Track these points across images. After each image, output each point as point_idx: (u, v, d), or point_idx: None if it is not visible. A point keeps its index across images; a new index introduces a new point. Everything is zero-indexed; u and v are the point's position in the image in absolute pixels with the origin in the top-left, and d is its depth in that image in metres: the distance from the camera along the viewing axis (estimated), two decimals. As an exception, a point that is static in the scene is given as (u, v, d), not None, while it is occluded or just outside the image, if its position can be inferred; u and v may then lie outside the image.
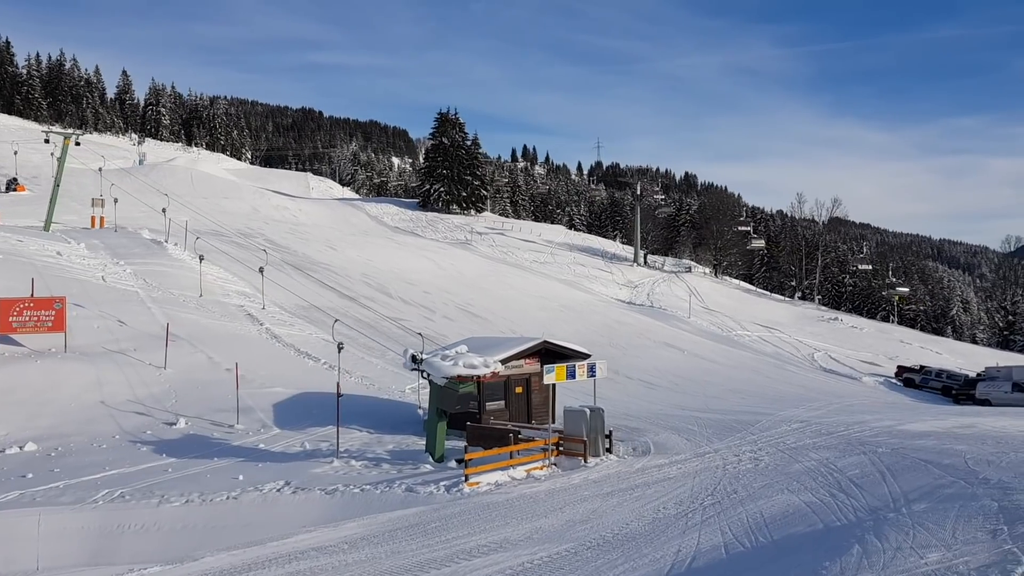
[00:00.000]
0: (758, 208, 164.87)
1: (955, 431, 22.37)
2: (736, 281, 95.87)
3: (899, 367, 52.20)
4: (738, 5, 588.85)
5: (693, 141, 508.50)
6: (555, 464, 20.72)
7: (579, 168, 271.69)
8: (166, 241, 48.88)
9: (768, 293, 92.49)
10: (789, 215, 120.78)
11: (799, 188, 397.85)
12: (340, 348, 24.38)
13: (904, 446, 19.72)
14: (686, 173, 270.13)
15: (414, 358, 21.61)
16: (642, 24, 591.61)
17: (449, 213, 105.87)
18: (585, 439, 20.80)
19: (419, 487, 18.68)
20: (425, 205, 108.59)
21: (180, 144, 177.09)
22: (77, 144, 55.83)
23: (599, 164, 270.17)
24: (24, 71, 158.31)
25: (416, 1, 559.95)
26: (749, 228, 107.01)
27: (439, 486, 18.79)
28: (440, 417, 21.65)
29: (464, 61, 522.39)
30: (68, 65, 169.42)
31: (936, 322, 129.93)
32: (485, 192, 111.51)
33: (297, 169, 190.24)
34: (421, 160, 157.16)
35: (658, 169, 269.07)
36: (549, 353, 26.76)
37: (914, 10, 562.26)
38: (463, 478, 18.76)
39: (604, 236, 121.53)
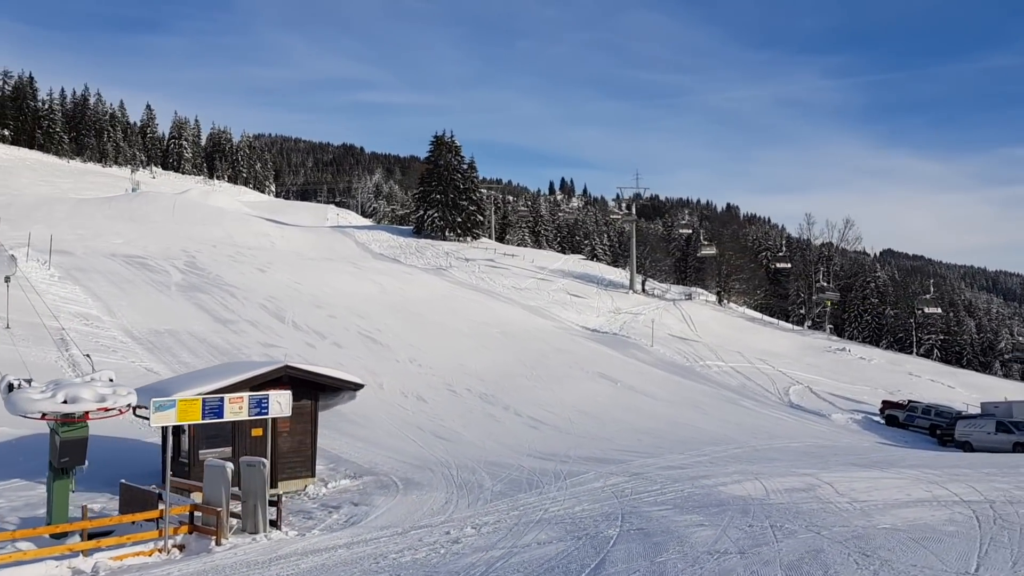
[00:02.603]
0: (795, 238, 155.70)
1: (775, 500, 15.19)
2: (741, 309, 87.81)
3: (884, 402, 44.34)
4: (785, 37, 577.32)
5: (740, 173, 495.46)
6: (179, 546, 14.23)
7: (617, 200, 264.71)
8: (26, 258, 43.82)
9: (775, 321, 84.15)
10: (801, 238, 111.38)
11: (850, 220, 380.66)
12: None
13: (657, 528, 12.89)
14: (728, 204, 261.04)
15: (11, 387, 15.41)
16: (688, 58, 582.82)
17: (444, 240, 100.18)
18: (220, 509, 14.22)
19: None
20: (419, 232, 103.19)
21: (201, 177, 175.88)
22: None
23: (637, 196, 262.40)
24: (46, 105, 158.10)
25: (462, 41, 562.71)
26: (787, 264, 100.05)
27: (-57, 580, 12.54)
28: (58, 474, 15.42)
29: (509, 98, 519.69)
30: (92, 100, 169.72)
31: (984, 355, 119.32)
32: (481, 218, 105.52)
33: (331, 202, 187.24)
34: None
35: (699, 200, 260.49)
36: (302, 383, 20.36)
37: (965, 39, 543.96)
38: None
39: (620, 266, 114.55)
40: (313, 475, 20.58)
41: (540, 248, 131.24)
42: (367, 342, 42.23)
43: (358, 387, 21.32)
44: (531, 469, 21.50)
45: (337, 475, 21.78)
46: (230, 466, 14.62)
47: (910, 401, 43.73)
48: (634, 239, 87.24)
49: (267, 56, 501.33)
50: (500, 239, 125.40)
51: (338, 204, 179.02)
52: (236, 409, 15.03)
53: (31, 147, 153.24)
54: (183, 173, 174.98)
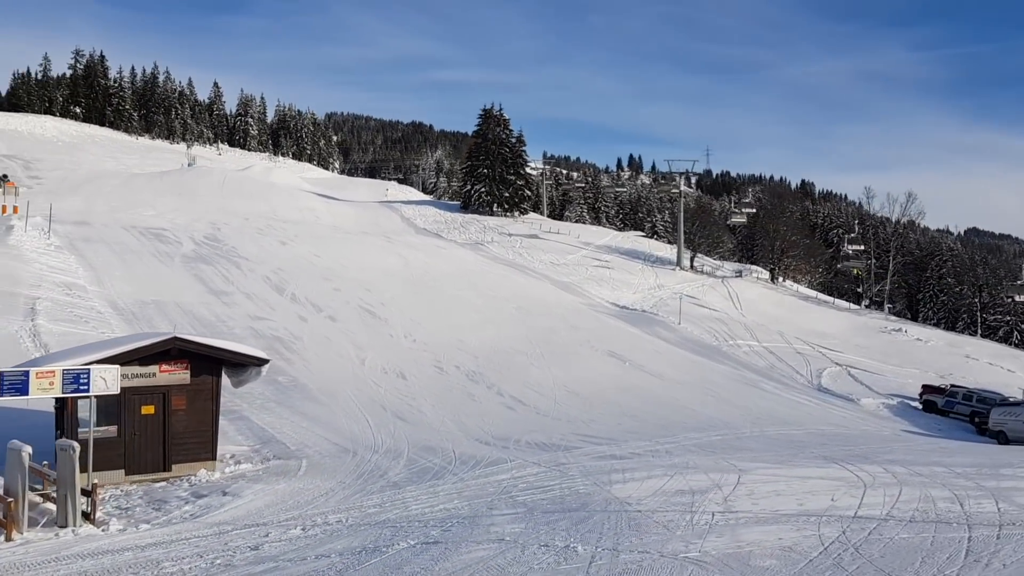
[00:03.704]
0: (871, 215, 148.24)
1: (644, 506, 12.74)
2: (795, 287, 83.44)
3: (924, 386, 40.63)
4: (869, 8, 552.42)
5: (818, 150, 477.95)
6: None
7: (687, 178, 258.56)
8: (24, 229, 43.36)
9: (831, 300, 79.52)
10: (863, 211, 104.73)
11: (934, 197, 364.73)
12: None
13: (455, 540, 10.73)
14: (802, 181, 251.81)
15: None
16: (766, 31, 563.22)
17: (491, 215, 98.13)
18: (12, 499, 12.46)
19: None
20: (466, 207, 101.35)
21: (266, 154, 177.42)
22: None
23: (708, 172, 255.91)
24: (116, 83, 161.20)
25: (535, 16, 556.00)
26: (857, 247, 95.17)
27: None
28: None
29: (581, 74, 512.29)
30: (162, 78, 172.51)
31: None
32: (529, 192, 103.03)
33: (394, 179, 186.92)
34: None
35: (771, 177, 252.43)
36: (200, 358, 18.61)
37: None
38: None
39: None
40: (213, 458, 18.85)
41: (600, 225, 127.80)
42: (365, 316, 40.55)
43: (262, 362, 19.49)
44: (459, 456, 19.41)
45: (255, 457, 20.11)
46: (28, 449, 12.89)
47: (952, 386, 40.00)
48: (681, 213, 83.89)
49: (343, 35, 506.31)
50: (559, 216, 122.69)
51: (401, 181, 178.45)
52: (45, 385, 13.34)
53: (102, 124, 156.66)
54: (248, 150, 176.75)
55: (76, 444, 13.33)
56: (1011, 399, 37.19)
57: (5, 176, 73.76)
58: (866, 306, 79.65)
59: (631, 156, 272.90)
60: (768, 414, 31.41)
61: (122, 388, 17.52)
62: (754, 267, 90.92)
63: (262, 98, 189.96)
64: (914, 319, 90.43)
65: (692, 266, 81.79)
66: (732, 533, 10.79)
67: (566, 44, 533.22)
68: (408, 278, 52.09)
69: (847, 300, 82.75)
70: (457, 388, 31.17)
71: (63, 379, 13.76)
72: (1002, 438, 30.61)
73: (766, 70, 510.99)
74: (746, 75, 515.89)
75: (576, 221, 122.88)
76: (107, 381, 14.08)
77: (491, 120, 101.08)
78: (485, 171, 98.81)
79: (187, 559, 10.77)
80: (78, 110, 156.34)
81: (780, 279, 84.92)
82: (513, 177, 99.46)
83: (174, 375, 18.28)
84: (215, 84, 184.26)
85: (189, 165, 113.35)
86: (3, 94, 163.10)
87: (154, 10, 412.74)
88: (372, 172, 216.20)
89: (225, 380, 20.25)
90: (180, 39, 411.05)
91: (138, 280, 39.52)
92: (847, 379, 43.77)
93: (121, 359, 17.17)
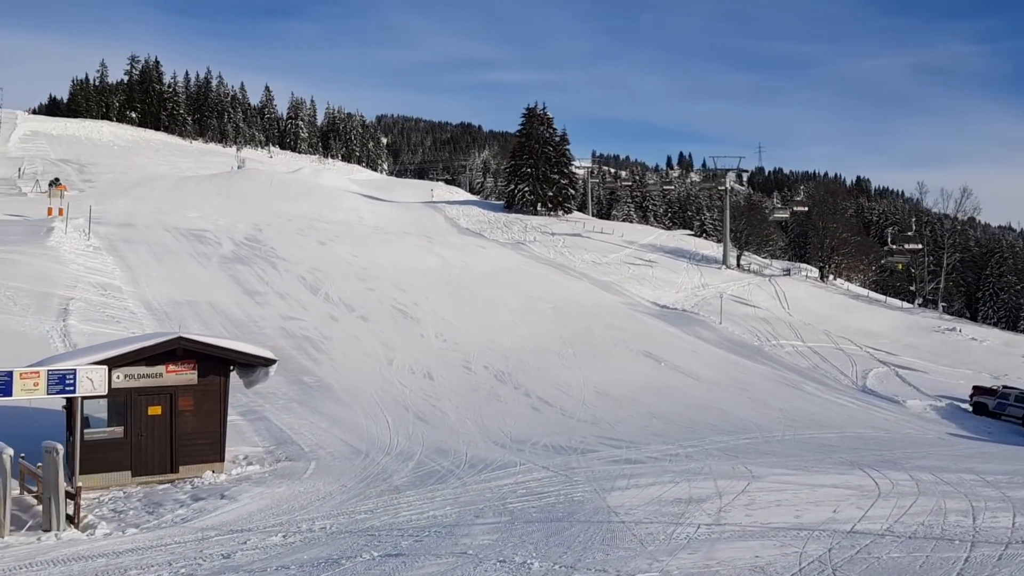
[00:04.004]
0: (925, 211, 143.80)
1: (630, 516, 12.06)
2: (846, 285, 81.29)
3: (975, 387, 39.00)
4: (926, 2, 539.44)
5: (874, 146, 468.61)
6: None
7: (739, 175, 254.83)
8: (65, 231, 43.97)
9: (883, 299, 77.29)
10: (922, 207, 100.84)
11: (995, 193, 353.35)
12: None
13: (418, 551, 10.19)
14: (858, 177, 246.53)
15: None
16: (821, 26, 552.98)
17: (535, 214, 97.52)
18: (-5, 500, 12.31)
19: None
20: (510, 207, 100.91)
21: (316, 156, 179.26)
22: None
23: (760, 169, 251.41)
24: (170, 88, 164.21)
25: (586, 16, 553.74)
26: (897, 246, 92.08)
27: None
28: None
29: (632, 73, 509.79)
30: (215, 83, 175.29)
31: None
32: (573, 191, 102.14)
33: (444, 180, 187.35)
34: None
35: (825, 174, 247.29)
36: (207, 358, 18.42)
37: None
38: None
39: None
40: (222, 459, 18.63)
41: (648, 224, 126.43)
42: (397, 316, 40.32)
43: (270, 362, 19.17)
44: (470, 459, 18.93)
45: (267, 458, 19.89)
46: (10, 451, 12.70)
47: (1004, 386, 38.32)
48: (727, 210, 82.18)
49: (394, 38, 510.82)
50: (606, 215, 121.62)
51: (448, 182, 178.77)
52: (30, 386, 13.12)
53: (156, 129, 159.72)
54: (299, 152, 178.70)
55: (60, 446, 13.14)
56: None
57: (57, 180, 75.36)
58: (919, 305, 77.14)
59: (681, 154, 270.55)
60: (805, 416, 30.35)
61: (128, 389, 17.51)
62: (804, 265, 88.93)
63: (312, 101, 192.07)
64: (973, 318, 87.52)
65: (739, 264, 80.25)
66: (708, 549, 10.07)
67: (617, 43, 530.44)
68: (445, 278, 51.81)
69: (900, 299, 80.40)
70: (483, 389, 30.68)
71: (48, 380, 13.60)
72: (1049, 443, 29.18)
73: (821, 65, 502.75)
74: (801, 71, 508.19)
75: (623, 220, 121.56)
76: (94, 382, 13.89)
77: (535, 119, 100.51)
78: (529, 170, 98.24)
79: (154, 567, 10.47)
80: (134, 115, 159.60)
81: (830, 277, 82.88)
82: (557, 176, 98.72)
83: (181, 375, 18.12)
84: (266, 88, 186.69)
85: (239, 168, 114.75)
86: (63, 100, 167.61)
87: (207, 16, 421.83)
88: (421, 173, 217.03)
89: (239, 380, 20.11)
90: (233, 44, 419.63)
91: (174, 281, 39.85)
92: (894, 380, 42.31)
93: (126, 359, 17.07)
